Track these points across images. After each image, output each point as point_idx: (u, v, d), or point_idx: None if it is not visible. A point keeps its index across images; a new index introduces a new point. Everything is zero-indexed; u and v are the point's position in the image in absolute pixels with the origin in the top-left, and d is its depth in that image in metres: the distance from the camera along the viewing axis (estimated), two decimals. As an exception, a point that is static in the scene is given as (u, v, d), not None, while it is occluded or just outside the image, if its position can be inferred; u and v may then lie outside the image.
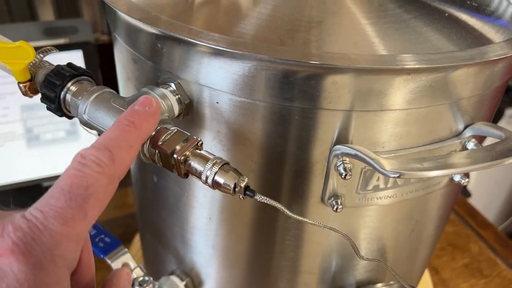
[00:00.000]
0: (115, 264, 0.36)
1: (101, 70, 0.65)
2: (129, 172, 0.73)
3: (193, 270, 0.39)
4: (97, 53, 0.64)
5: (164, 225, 0.39)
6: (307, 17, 0.31)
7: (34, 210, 0.20)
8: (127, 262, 0.36)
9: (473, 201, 0.83)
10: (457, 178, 0.32)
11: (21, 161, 0.61)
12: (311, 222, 0.25)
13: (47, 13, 0.77)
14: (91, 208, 0.21)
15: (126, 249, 0.37)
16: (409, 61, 0.25)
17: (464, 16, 0.34)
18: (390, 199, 0.31)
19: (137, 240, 0.61)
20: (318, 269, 0.36)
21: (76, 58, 0.62)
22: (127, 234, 0.63)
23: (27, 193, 0.64)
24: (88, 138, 0.63)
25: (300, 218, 0.25)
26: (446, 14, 0.34)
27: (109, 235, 0.38)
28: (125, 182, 0.75)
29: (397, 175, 0.23)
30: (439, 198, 0.35)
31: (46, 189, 0.66)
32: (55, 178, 0.63)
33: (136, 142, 0.23)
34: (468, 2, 0.36)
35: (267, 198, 0.24)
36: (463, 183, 0.32)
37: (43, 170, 0.62)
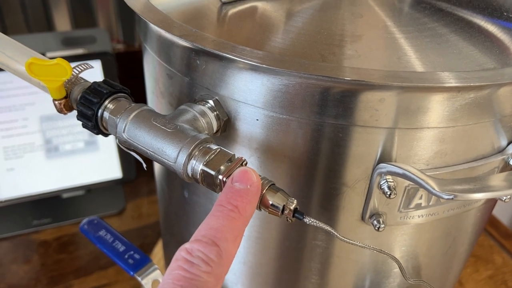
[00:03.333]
0: (145, 281, 0.36)
1: (119, 79, 0.65)
2: (142, 182, 0.72)
3: (223, 286, 0.39)
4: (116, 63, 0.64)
5: (193, 241, 0.39)
6: (345, 31, 0.30)
7: None
8: (157, 279, 0.36)
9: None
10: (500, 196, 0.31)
11: (40, 172, 0.61)
12: (361, 245, 0.24)
13: (63, 23, 0.77)
14: None
15: (156, 266, 0.36)
16: (460, 79, 0.24)
17: (502, 29, 0.33)
18: (430, 217, 0.31)
19: (157, 251, 0.61)
20: (352, 287, 0.35)
21: (95, 68, 0.62)
22: (146, 245, 0.63)
23: (47, 204, 0.64)
24: (107, 149, 0.63)
25: (352, 241, 0.24)
26: (483, 28, 0.33)
27: (139, 251, 0.37)
28: (141, 192, 0.75)
29: (451, 196, 0.23)
30: (477, 214, 0.34)
31: (65, 200, 0.66)
32: (74, 189, 0.63)
33: (241, 231, 0.22)
34: (505, 14, 0.35)
35: (317, 221, 0.24)
36: (505, 200, 0.31)
37: (62, 181, 0.62)
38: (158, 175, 0.43)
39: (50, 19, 0.75)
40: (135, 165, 0.66)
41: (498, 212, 0.78)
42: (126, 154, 0.66)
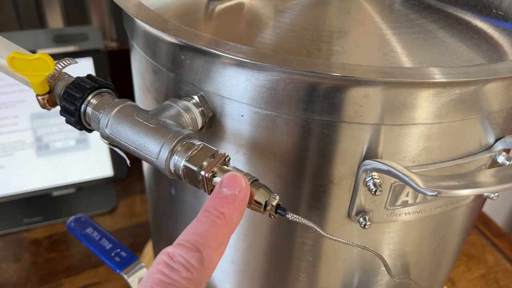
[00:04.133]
0: (132, 279, 0.35)
1: (111, 77, 0.64)
2: (134, 180, 0.72)
3: (210, 285, 0.38)
4: (108, 61, 0.63)
5: (181, 239, 0.38)
6: (332, 27, 0.30)
7: None
8: (144, 277, 0.35)
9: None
10: (486, 193, 0.31)
11: (31, 170, 0.61)
12: (344, 241, 0.24)
13: (55, 20, 0.76)
14: None
15: (143, 264, 0.36)
16: (445, 74, 0.24)
17: (490, 26, 0.33)
18: (418, 214, 0.30)
19: (147, 250, 0.61)
20: (340, 286, 0.35)
21: (86, 65, 0.62)
22: (137, 244, 0.62)
23: (37, 202, 0.63)
24: (98, 147, 0.63)
25: (334, 237, 0.24)
26: (472, 24, 0.33)
27: (125, 249, 0.37)
28: (132, 190, 0.75)
29: (435, 193, 0.22)
30: (466, 212, 0.34)
31: (56, 199, 0.65)
32: (65, 187, 0.63)
33: (226, 239, 0.22)
34: (494, 11, 0.35)
35: (299, 217, 0.23)
36: (493, 197, 0.31)
37: (52, 179, 0.61)
38: (146, 173, 0.42)
39: (43, 17, 0.75)
40: (126, 163, 0.65)
41: (491, 211, 0.78)
42: (117, 153, 0.65)
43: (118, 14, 0.78)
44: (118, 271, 0.35)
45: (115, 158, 0.64)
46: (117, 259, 0.36)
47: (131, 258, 0.36)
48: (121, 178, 0.64)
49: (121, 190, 0.70)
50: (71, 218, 0.38)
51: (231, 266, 0.36)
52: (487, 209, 0.76)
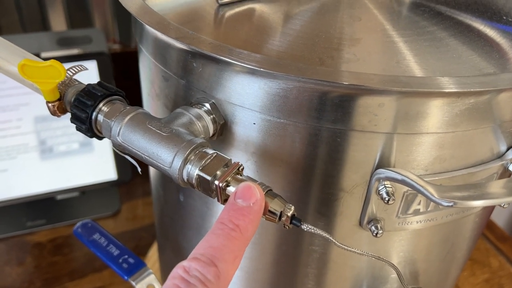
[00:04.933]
0: (140, 286, 0.35)
1: (114, 79, 0.64)
2: (137, 183, 0.72)
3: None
4: (112, 64, 0.63)
5: (189, 245, 0.38)
6: (343, 34, 0.30)
7: None
8: (152, 284, 0.35)
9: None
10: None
11: (34, 174, 0.60)
12: (359, 252, 0.24)
13: (59, 22, 0.76)
14: None
15: (151, 270, 0.36)
16: (460, 84, 0.24)
17: (501, 33, 0.33)
18: (429, 222, 0.30)
19: (151, 253, 0.60)
20: (348, 292, 0.35)
21: (90, 68, 0.62)
22: (140, 247, 0.62)
23: (41, 206, 0.63)
24: (102, 150, 0.62)
25: (350, 248, 0.24)
26: (483, 32, 0.33)
27: (133, 255, 0.37)
28: (136, 193, 0.74)
29: (451, 204, 0.22)
30: (476, 219, 0.34)
31: (60, 202, 0.65)
32: (68, 191, 0.62)
33: (241, 251, 0.21)
34: (505, 18, 0.35)
35: (314, 228, 0.23)
36: (504, 206, 0.31)
37: (56, 183, 0.61)
38: (153, 178, 0.42)
39: (46, 20, 0.74)
40: (130, 166, 0.65)
41: (494, 215, 0.78)
42: (121, 156, 0.65)
43: (121, 16, 0.78)
44: (126, 277, 0.35)
45: (119, 162, 0.63)
46: (124, 265, 0.36)
47: (138, 265, 0.36)
48: (125, 181, 0.64)
49: (124, 193, 0.70)
50: (78, 224, 0.38)
51: (239, 273, 0.35)
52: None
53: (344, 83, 0.23)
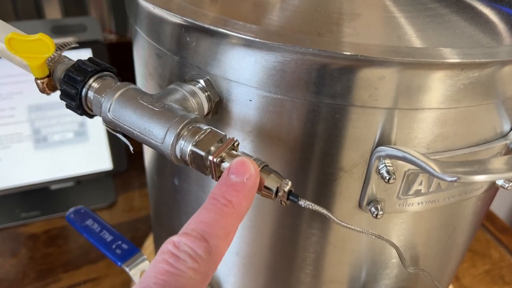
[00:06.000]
0: (133, 272, 0.34)
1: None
2: (134, 175, 0.71)
3: (215, 278, 0.37)
4: (107, 52, 0.62)
5: (184, 231, 0.37)
6: (343, 9, 0.29)
7: None
8: (146, 270, 0.34)
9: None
10: (500, 182, 0.30)
11: (28, 163, 0.59)
12: (358, 229, 0.23)
13: (53, 12, 0.75)
14: None
15: (145, 256, 0.35)
16: (463, 55, 0.23)
17: (503, 14, 0.32)
18: (430, 204, 0.29)
19: (148, 244, 0.59)
20: (347, 278, 0.34)
21: (85, 57, 0.60)
22: (136, 239, 0.61)
23: (35, 196, 0.62)
24: (97, 140, 0.61)
25: (348, 225, 0.23)
26: (484, 12, 0.32)
27: (127, 241, 0.36)
28: (132, 185, 0.73)
29: (455, 178, 0.21)
30: (478, 202, 0.33)
31: (54, 193, 0.64)
32: (63, 180, 0.61)
33: (234, 228, 0.21)
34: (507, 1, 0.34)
35: (312, 204, 0.22)
36: (507, 187, 0.30)
37: (51, 173, 0.60)
38: (148, 165, 0.41)
39: (40, 10, 0.73)
40: (126, 156, 0.64)
41: (495, 207, 0.77)
42: (117, 146, 0.64)
43: (117, 6, 0.77)
44: (119, 263, 0.34)
45: (114, 152, 0.62)
46: (118, 251, 0.35)
47: (132, 251, 0.35)
48: (120, 171, 0.63)
49: (121, 185, 0.69)
50: (71, 209, 0.37)
51: (236, 258, 0.35)
52: (491, 204, 0.75)
53: (343, 53, 0.22)
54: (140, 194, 0.69)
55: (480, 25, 0.30)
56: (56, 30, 0.64)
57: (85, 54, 0.61)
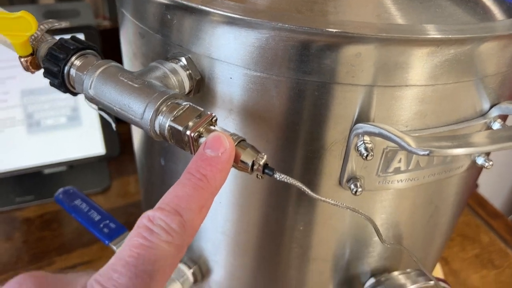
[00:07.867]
0: (121, 251, 0.35)
1: (104, 56, 0.63)
2: (128, 160, 0.71)
3: (201, 257, 0.38)
4: (99, 37, 0.62)
5: (171, 211, 0.38)
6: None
7: (97, 285, 0.18)
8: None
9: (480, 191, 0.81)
10: (480, 161, 0.31)
11: (21, 148, 0.60)
12: (333, 202, 0.23)
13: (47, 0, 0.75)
14: (156, 285, 0.19)
15: (132, 235, 0.35)
16: (440, 31, 0.23)
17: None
18: (410, 182, 0.30)
19: (140, 229, 0.60)
20: (332, 256, 0.34)
21: (78, 42, 0.61)
22: (130, 223, 0.61)
23: (28, 180, 0.63)
24: (90, 125, 0.62)
25: (322, 198, 0.23)
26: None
27: (114, 220, 0.36)
28: (126, 170, 0.74)
29: (427, 152, 0.22)
30: (459, 182, 0.33)
31: (47, 177, 0.64)
32: (56, 165, 0.62)
33: (208, 201, 0.21)
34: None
35: (287, 177, 0.23)
36: (487, 166, 0.31)
37: (44, 157, 0.61)
38: (136, 146, 0.41)
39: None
40: (119, 142, 0.65)
41: (491, 196, 0.77)
42: (110, 131, 0.65)
43: (110, -8, 0.77)
44: (106, 242, 0.35)
45: (107, 137, 0.63)
46: (105, 230, 0.35)
47: (120, 230, 0.35)
48: (113, 156, 0.64)
49: (115, 170, 0.69)
50: (60, 190, 0.38)
51: (222, 237, 0.35)
52: (485, 192, 0.76)
53: (318, 28, 0.22)
54: (134, 179, 0.70)
55: (462, 4, 0.30)
56: (49, 15, 0.64)
57: (77, 39, 0.61)
